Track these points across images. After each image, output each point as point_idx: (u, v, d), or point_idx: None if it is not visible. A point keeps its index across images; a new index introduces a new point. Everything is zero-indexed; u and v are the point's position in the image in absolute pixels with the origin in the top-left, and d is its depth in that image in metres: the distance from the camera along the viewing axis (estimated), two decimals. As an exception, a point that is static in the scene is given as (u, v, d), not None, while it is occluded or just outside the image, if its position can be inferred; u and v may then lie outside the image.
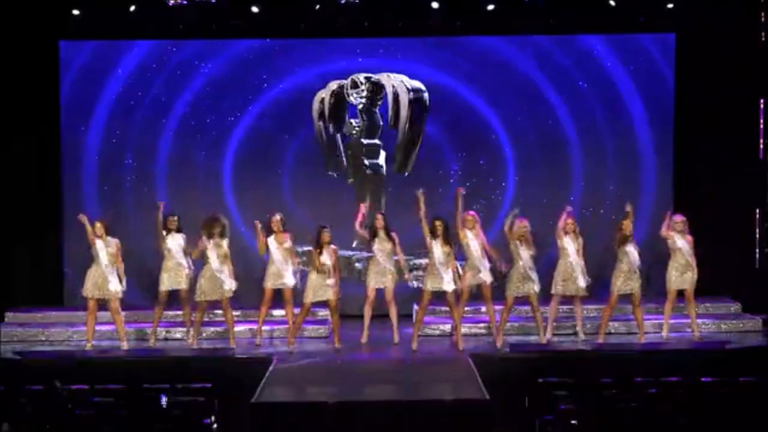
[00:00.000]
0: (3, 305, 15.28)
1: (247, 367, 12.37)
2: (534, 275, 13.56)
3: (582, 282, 13.74)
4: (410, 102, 16.08)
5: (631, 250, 13.58)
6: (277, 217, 13.86)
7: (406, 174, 16.25)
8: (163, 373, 11.70)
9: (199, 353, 13.18)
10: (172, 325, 14.48)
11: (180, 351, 13.46)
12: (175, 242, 13.80)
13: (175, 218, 13.88)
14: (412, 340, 13.55)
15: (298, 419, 10.49)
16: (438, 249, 13.39)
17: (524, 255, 13.52)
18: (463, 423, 10.38)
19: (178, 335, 14.18)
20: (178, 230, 13.86)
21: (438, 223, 13.51)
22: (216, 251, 13.54)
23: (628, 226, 13.61)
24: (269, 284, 13.83)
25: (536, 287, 13.57)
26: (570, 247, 13.71)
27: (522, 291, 13.55)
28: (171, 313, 14.33)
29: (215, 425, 10.69)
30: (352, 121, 16.17)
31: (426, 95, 16.12)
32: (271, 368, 12.17)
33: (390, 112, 16.13)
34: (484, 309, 14.09)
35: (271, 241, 13.80)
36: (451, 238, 13.47)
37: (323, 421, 10.43)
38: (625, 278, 13.59)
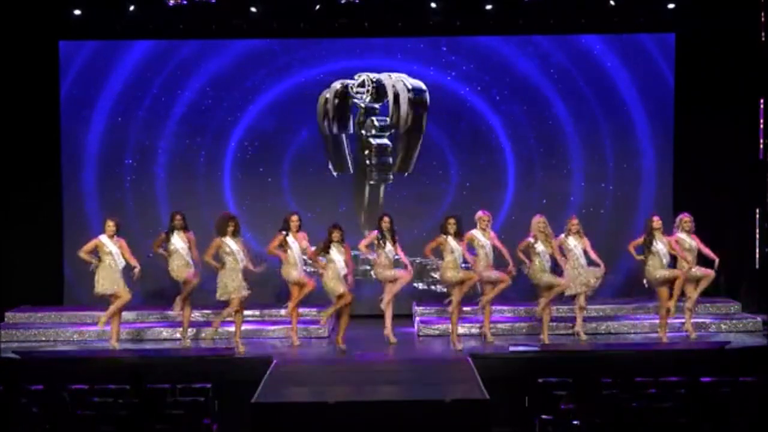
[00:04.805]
0: (3, 305, 15.27)
1: (247, 367, 12.37)
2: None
3: (593, 281, 13.72)
4: (410, 101, 16.09)
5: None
6: (295, 216, 13.84)
7: (406, 174, 16.26)
8: (163, 373, 11.69)
9: (199, 353, 13.17)
10: (173, 325, 14.46)
11: (180, 351, 13.46)
12: (181, 241, 13.75)
13: (180, 216, 13.83)
14: (459, 342, 13.52)
15: (298, 419, 10.49)
16: (457, 246, 13.38)
17: (543, 251, 13.49)
18: (463, 423, 10.38)
19: (178, 335, 14.15)
20: (185, 228, 13.83)
21: (452, 220, 13.47)
22: (241, 250, 13.48)
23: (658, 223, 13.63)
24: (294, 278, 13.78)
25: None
26: (577, 249, 13.68)
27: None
28: (172, 313, 14.30)
29: (215, 425, 10.70)
30: (374, 119, 16.16)
31: (426, 95, 16.13)
32: (271, 368, 12.16)
33: (390, 112, 16.15)
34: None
35: (291, 240, 13.78)
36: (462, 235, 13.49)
37: (323, 421, 10.43)
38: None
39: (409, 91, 16.08)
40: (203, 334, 14.09)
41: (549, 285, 13.43)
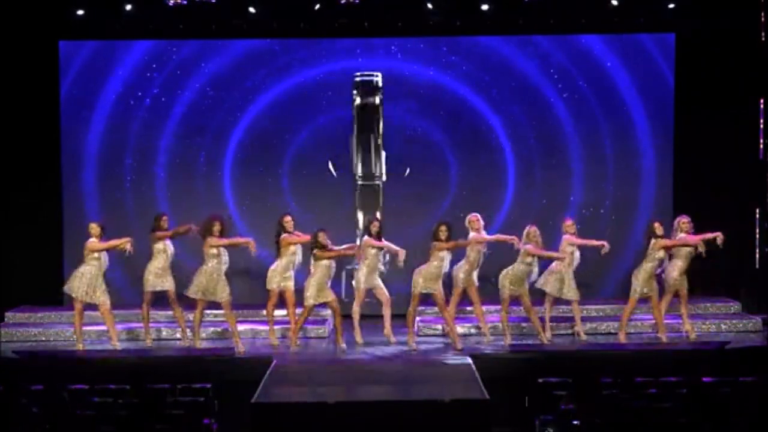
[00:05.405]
0: (3, 305, 15.28)
1: (247, 367, 12.37)
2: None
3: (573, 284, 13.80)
4: (360, 97, 15.95)
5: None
6: (288, 217, 13.81)
7: (406, 174, 16.23)
8: (163, 373, 11.70)
9: (199, 353, 13.17)
10: (172, 325, 14.45)
11: (180, 351, 13.46)
12: (171, 242, 13.75)
13: (166, 217, 13.86)
14: (459, 342, 13.51)
15: (298, 419, 10.50)
16: (447, 255, 13.39)
17: (530, 260, 13.52)
18: (462, 423, 10.39)
19: (178, 335, 14.15)
20: (166, 229, 13.83)
21: (443, 227, 13.44)
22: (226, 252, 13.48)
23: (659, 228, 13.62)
24: (275, 285, 13.80)
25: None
26: (576, 253, 13.71)
27: (518, 291, 13.54)
28: (171, 313, 14.28)
29: (215, 425, 10.71)
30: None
31: (375, 97, 15.87)
32: (271, 368, 12.17)
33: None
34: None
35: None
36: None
37: (323, 421, 10.44)
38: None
39: (355, 87, 16.00)
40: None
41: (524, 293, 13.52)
